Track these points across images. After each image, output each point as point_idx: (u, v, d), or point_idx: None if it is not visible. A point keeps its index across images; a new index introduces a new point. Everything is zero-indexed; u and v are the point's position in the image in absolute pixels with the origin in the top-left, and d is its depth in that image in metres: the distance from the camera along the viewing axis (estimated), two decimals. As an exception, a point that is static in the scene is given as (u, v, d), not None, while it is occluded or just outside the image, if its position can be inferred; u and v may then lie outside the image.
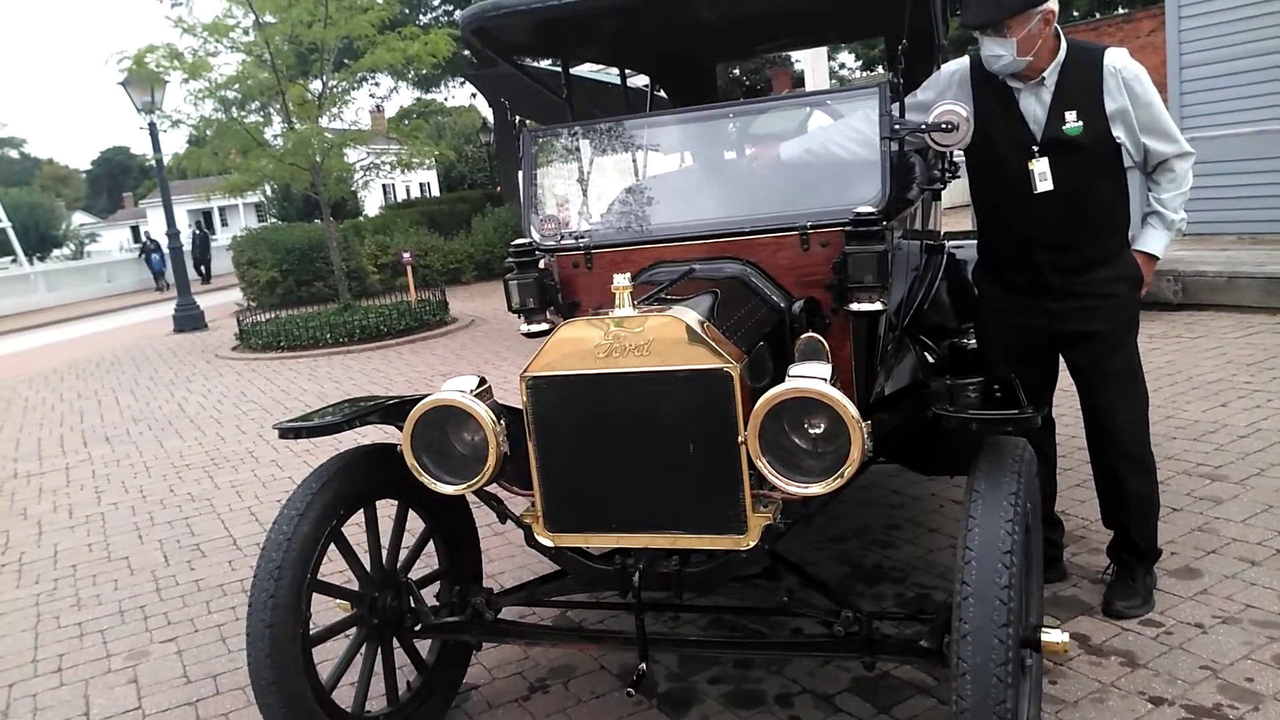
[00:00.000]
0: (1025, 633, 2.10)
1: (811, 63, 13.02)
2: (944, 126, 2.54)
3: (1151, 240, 3.01)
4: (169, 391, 9.85)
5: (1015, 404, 2.29)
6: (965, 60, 3.02)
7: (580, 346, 2.27)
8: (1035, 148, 2.84)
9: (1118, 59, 2.84)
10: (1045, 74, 2.83)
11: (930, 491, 4.28)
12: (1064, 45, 2.85)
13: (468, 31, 3.19)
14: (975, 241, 4.04)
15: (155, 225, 36.69)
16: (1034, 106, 2.86)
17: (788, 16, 3.87)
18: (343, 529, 2.61)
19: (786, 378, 2.14)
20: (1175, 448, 4.49)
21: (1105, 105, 2.81)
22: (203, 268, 29.62)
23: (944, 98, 2.93)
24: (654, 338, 2.20)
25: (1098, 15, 24.72)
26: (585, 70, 6.91)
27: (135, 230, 63.36)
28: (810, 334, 2.49)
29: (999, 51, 2.77)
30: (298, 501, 2.51)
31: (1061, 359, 3.14)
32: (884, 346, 3.05)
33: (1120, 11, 22.93)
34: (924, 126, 2.58)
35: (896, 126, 2.68)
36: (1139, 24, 15.84)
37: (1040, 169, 2.83)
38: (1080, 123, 2.81)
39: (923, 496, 4.26)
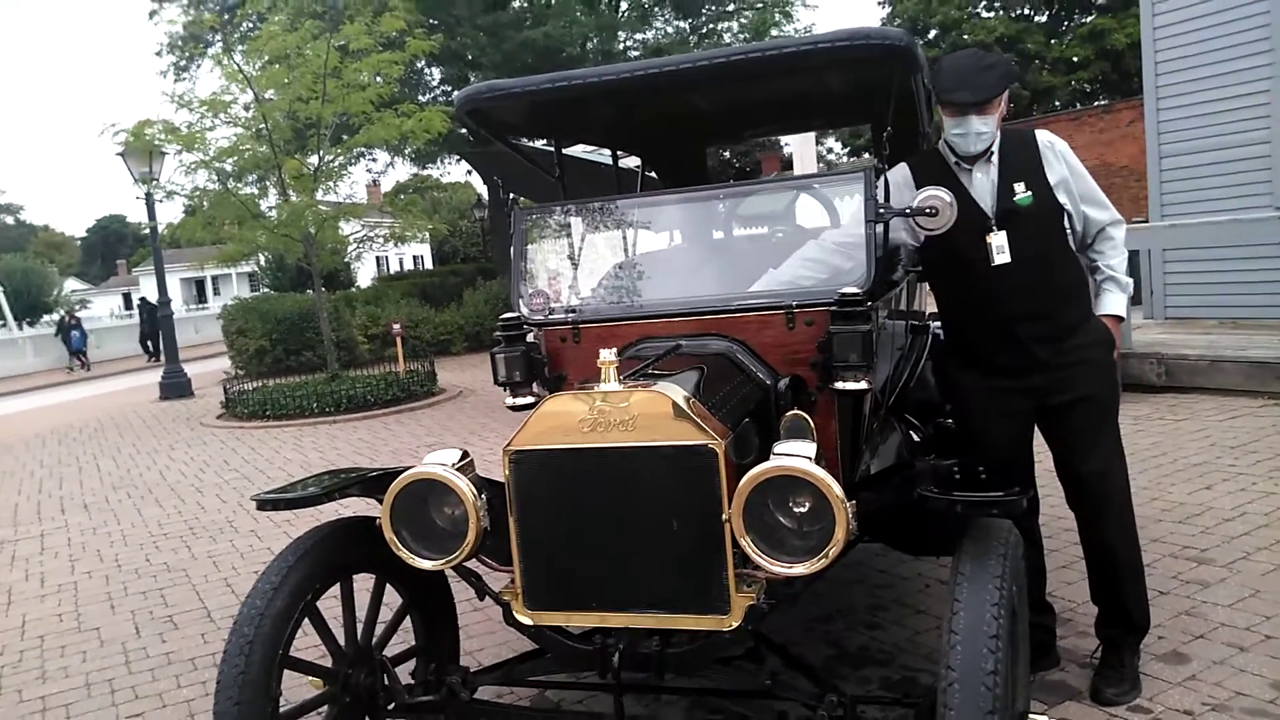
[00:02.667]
0: (1012, 719, 2.06)
1: (800, 147, 13.33)
2: (928, 211, 2.59)
3: (1113, 303, 3.10)
4: (151, 459, 9.75)
5: (1001, 486, 2.29)
6: (901, 164, 3.11)
7: (565, 420, 2.27)
8: (991, 221, 2.91)
9: (1047, 135, 2.99)
10: (991, 151, 2.93)
11: (917, 571, 4.24)
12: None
13: (463, 112, 3.26)
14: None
15: (147, 292, 36.29)
16: (983, 183, 2.94)
17: (777, 104, 3.97)
18: (318, 603, 2.56)
19: (771, 455, 2.14)
20: (1161, 530, 4.48)
21: (1048, 176, 2.92)
22: (149, 343, 26.43)
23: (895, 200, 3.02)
24: (639, 412, 2.20)
25: (1078, 105, 25.46)
26: (578, 150, 7.05)
27: (127, 297, 63.57)
28: (795, 411, 2.50)
29: (983, 129, 2.85)
30: (273, 575, 2.47)
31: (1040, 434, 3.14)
32: (869, 425, 3.06)
33: (1100, 102, 23.60)
34: (908, 211, 2.63)
35: (881, 210, 2.73)
36: (1119, 114, 16.30)
37: (998, 242, 2.89)
38: (1030, 193, 2.90)
39: (909, 576, 4.22)
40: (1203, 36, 8.95)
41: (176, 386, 15.52)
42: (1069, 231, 3.01)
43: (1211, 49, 8.89)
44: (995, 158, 2.94)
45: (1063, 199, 2.95)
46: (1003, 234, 2.89)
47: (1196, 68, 9.03)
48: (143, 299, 29.82)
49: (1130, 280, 3.14)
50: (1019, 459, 3.08)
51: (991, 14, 31.40)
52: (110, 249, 79.85)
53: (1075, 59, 28.91)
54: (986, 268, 2.91)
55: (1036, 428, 3.15)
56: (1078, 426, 3.03)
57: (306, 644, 3.04)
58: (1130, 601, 3.10)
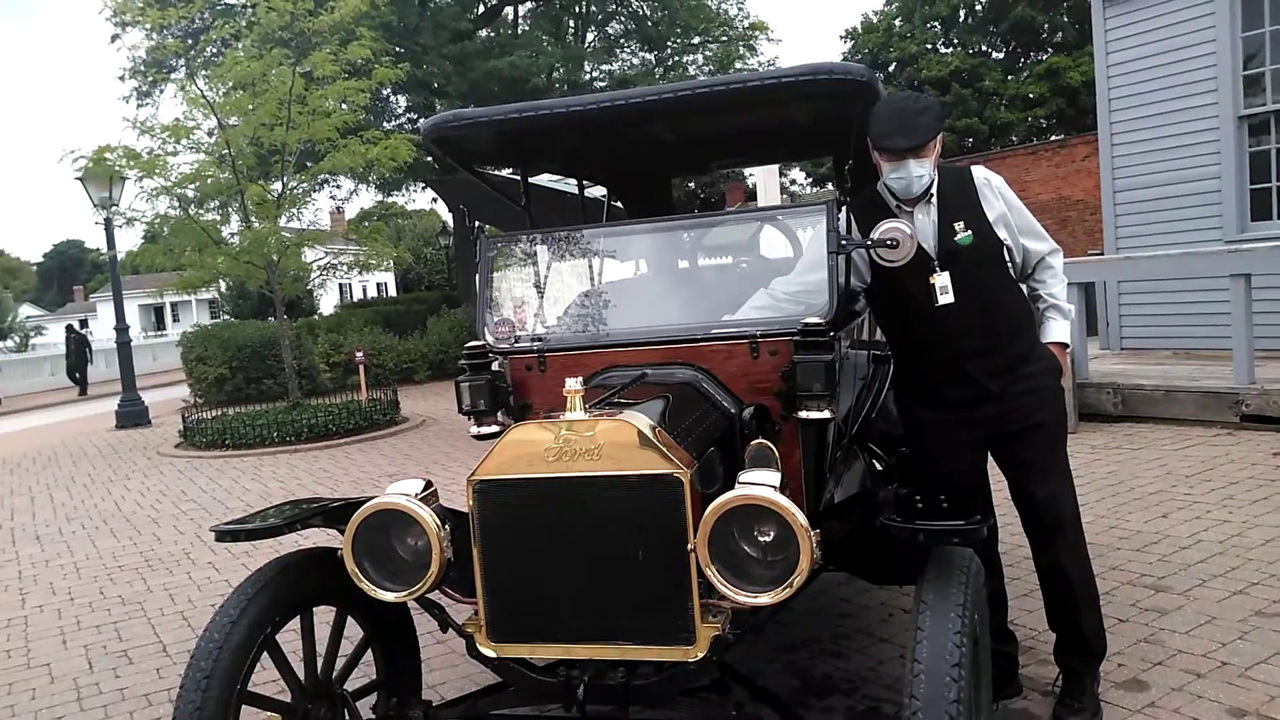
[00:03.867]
0: (975, 748, 2.07)
1: (764, 178, 13.48)
2: (889, 243, 2.62)
3: (1058, 331, 3.15)
4: (106, 489, 9.55)
5: (961, 515, 2.32)
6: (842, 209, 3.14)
7: (530, 449, 2.26)
8: (935, 263, 2.92)
9: (982, 172, 3.03)
10: (931, 192, 2.95)
11: (880, 600, 4.26)
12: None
13: (429, 140, 3.27)
14: None
15: (104, 318, 35.21)
16: (924, 224, 2.95)
17: (741, 136, 4.02)
18: (277, 636, 2.51)
19: (736, 484, 2.14)
20: (1119, 558, 4.54)
21: (986, 213, 2.96)
22: (78, 374, 24.56)
23: None
24: (605, 441, 2.20)
25: (1035, 140, 26.04)
26: (544, 180, 7.07)
27: (83, 323, 62.45)
28: (760, 441, 2.52)
29: (920, 172, 2.85)
30: (231, 608, 2.42)
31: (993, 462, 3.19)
32: (833, 454, 3.08)
33: (1056, 138, 24.16)
34: (869, 243, 2.67)
35: (843, 242, 2.77)
36: (1074, 149, 16.67)
37: (941, 283, 2.92)
38: (969, 232, 2.92)
39: (872, 605, 4.23)
40: (1154, 75, 9.22)
41: (133, 415, 15.23)
42: (1009, 264, 3.06)
43: (1162, 87, 9.15)
44: (934, 198, 2.95)
45: (1002, 234, 2.98)
46: (945, 274, 2.91)
47: (1148, 104, 9.29)
48: (69, 327, 27.06)
49: (1071, 307, 3.20)
50: (976, 487, 3.12)
51: (949, 50, 32.12)
52: (67, 275, 78.60)
53: (1031, 95, 29.61)
54: (932, 307, 2.94)
55: (993, 455, 3.19)
56: (1030, 453, 3.08)
57: (265, 678, 2.98)
58: (1086, 627, 3.13)
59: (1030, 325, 3.12)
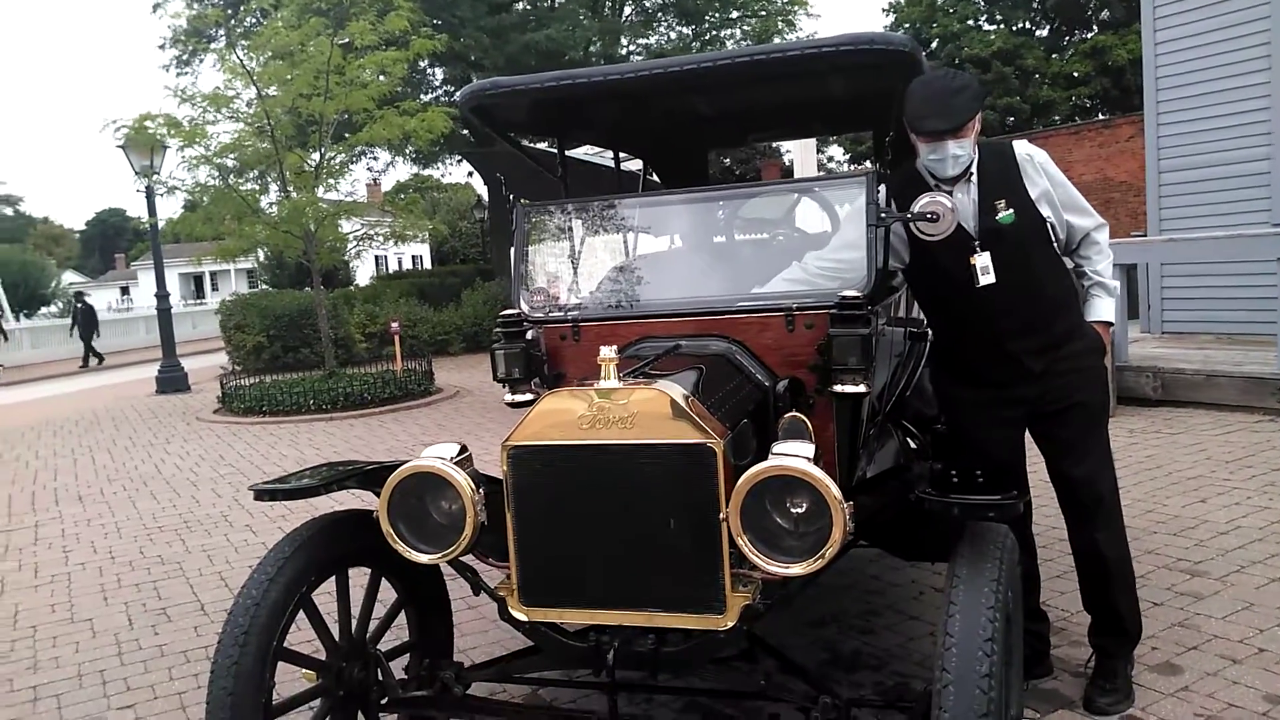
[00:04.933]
0: (1004, 724, 2.07)
1: (800, 154, 13.36)
2: (929, 216, 2.59)
3: (1102, 309, 3.09)
4: (146, 452, 9.73)
5: (997, 490, 2.30)
6: (880, 186, 3.10)
7: (564, 417, 2.27)
8: (976, 243, 2.87)
9: (1025, 147, 2.96)
10: (971, 171, 2.88)
11: (910, 578, 4.25)
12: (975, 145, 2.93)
13: (466, 109, 3.27)
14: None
15: (145, 286, 35.54)
16: (965, 204, 2.88)
17: (779, 108, 3.98)
18: (313, 596, 2.56)
19: (770, 455, 2.14)
20: (1156, 542, 4.49)
21: (1029, 190, 2.89)
22: (86, 343, 23.93)
23: None
24: (638, 410, 2.21)
25: (1077, 120, 25.54)
26: (581, 153, 7.06)
27: (125, 290, 63.52)
28: (794, 414, 2.51)
29: (959, 152, 2.79)
30: (268, 566, 2.47)
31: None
32: (867, 430, 3.07)
33: (1100, 117, 23.68)
34: (909, 216, 2.64)
35: (882, 215, 2.74)
36: (1119, 129, 16.33)
37: (983, 263, 2.86)
38: (1011, 210, 2.86)
39: (903, 583, 4.22)
40: (1204, 54, 9.00)
41: (173, 380, 15.49)
42: (1053, 241, 3.00)
43: (1212, 66, 8.93)
44: (975, 177, 2.89)
45: (1045, 212, 2.92)
46: (986, 255, 2.86)
47: (1197, 84, 9.08)
48: (77, 294, 26.45)
49: (1117, 284, 3.14)
50: (1012, 466, 3.09)
51: (992, 27, 31.52)
52: (109, 243, 79.86)
53: (1075, 74, 29.00)
54: (972, 288, 2.88)
55: (1032, 434, 3.15)
56: (1069, 432, 3.04)
57: (301, 638, 3.03)
58: (1121, 608, 3.10)
59: (1073, 303, 3.07)
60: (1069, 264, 3.11)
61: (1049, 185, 2.93)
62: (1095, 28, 30.37)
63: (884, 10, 33.61)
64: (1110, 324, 3.12)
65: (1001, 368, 3.01)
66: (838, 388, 2.59)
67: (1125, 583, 3.12)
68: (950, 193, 2.88)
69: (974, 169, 2.89)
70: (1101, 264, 3.08)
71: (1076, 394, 3.00)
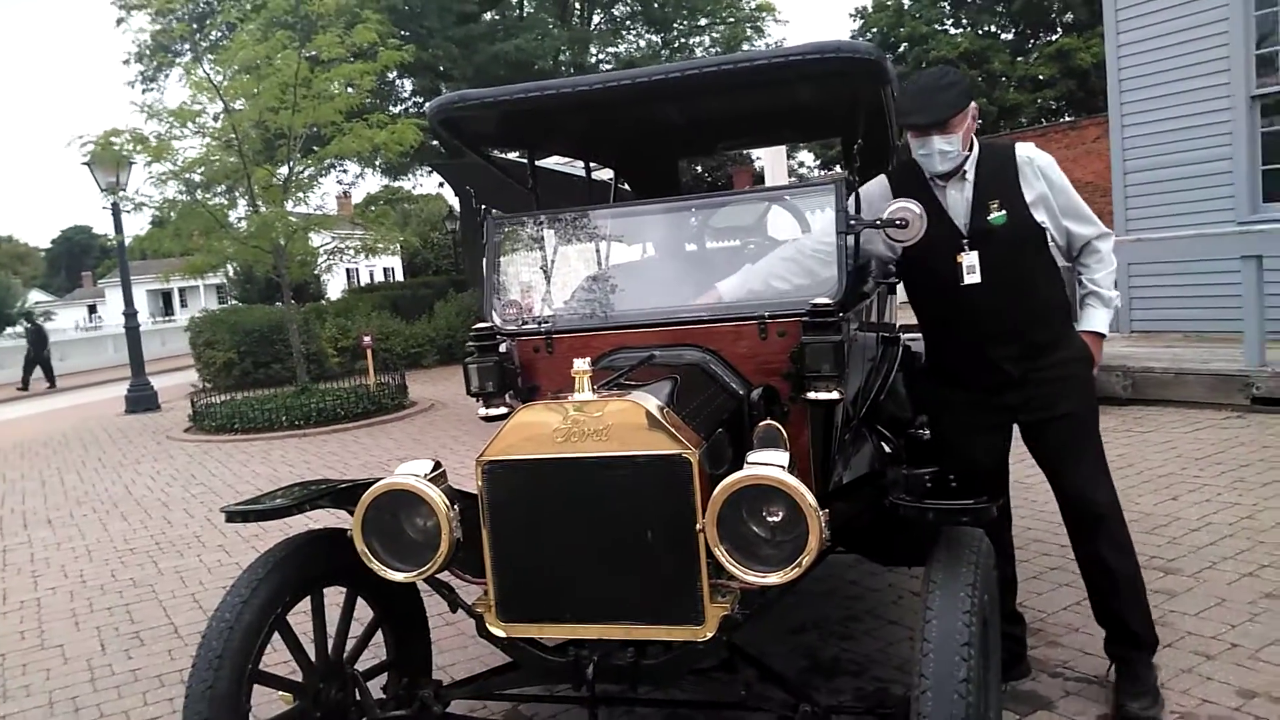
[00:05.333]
0: (984, 728, 2.07)
1: (771, 160, 13.44)
2: (898, 222, 2.61)
3: (1095, 319, 3.06)
4: (116, 473, 9.60)
5: (971, 494, 2.31)
6: (881, 177, 3.12)
7: (538, 430, 2.26)
8: (964, 241, 2.88)
9: (1027, 150, 2.94)
10: (966, 169, 2.90)
11: (889, 583, 4.26)
12: (976, 143, 2.94)
13: (435, 121, 3.25)
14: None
15: (113, 304, 34.96)
16: (957, 201, 2.91)
17: (749, 116, 4.00)
18: (288, 616, 2.53)
19: (745, 465, 2.14)
20: (1129, 541, 4.53)
21: (1024, 194, 2.88)
22: (39, 368, 22.94)
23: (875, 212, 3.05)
24: (613, 422, 2.20)
25: (1044, 122, 25.87)
26: (551, 163, 7.05)
27: (92, 309, 62.73)
28: (768, 421, 2.51)
29: (946, 147, 2.82)
30: (242, 588, 2.44)
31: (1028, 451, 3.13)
32: (841, 435, 3.08)
33: (1066, 119, 23.98)
34: (879, 222, 2.65)
35: (852, 222, 2.76)
36: (1085, 130, 16.55)
37: (969, 261, 2.87)
38: (1004, 212, 2.85)
39: (881, 588, 4.23)
40: (1165, 56, 9.13)
41: (143, 400, 15.30)
42: (1053, 246, 2.97)
43: (1174, 68, 9.06)
44: (971, 174, 2.90)
45: (1040, 217, 2.90)
46: (974, 254, 2.86)
47: (1159, 85, 9.21)
48: (27, 313, 25.57)
49: (1115, 294, 3.07)
50: (992, 471, 3.08)
51: (958, 31, 31.88)
52: (75, 260, 78.89)
53: (1041, 77, 29.40)
54: (957, 287, 2.90)
55: (1026, 445, 3.12)
56: (1059, 444, 3.01)
57: (276, 659, 3.00)
58: (1133, 621, 3.02)
59: (1064, 314, 3.04)
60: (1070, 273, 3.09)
61: (1047, 190, 2.91)
62: (1060, 31, 30.82)
63: (851, 15, 33.95)
64: (1102, 335, 3.07)
65: (983, 371, 3.01)
66: (811, 395, 2.59)
67: (1133, 594, 3.03)
68: (944, 188, 2.91)
69: (970, 167, 2.90)
70: (1100, 273, 3.03)
71: (1061, 404, 2.96)
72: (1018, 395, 2.98)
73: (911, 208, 2.60)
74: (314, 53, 11.61)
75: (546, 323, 3.05)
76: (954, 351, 3.10)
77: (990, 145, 2.98)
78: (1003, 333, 2.94)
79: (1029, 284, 2.94)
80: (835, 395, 2.58)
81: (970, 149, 2.91)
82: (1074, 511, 3.06)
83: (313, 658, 2.64)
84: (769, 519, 2.16)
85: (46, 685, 4.14)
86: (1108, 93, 9.89)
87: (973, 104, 2.87)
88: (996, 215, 2.87)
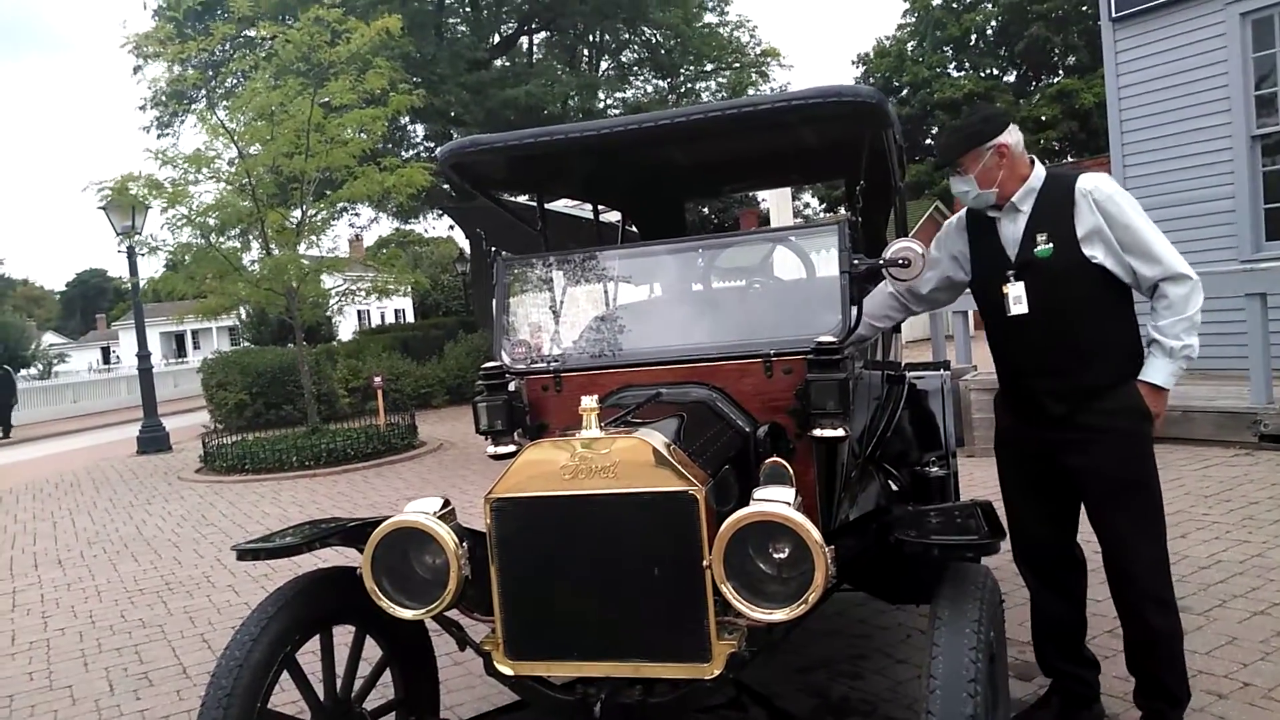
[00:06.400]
0: (992, 763, 2.07)
1: (776, 202, 13.55)
2: (899, 262, 2.65)
3: (1152, 369, 2.88)
4: (127, 514, 9.62)
5: (979, 530, 2.32)
6: (960, 213, 3.21)
7: (546, 468, 2.29)
8: (1010, 272, 2.91)
9: (1089, 182, 2.86)
10: (1016, 200, 2.92)
11: (897, 621, 4.25)
12: (1039, 173, 2.94)
13: (445, 166, 3.32)
14: (936, 372, 4.20)
15: (126, 345, 35.21)
16: (1011, 232, 2.95)
17: (754, 159, 4.07)
18: (297, 655, 2.54)
19: (751, 501, 2.16)
20: (1139, 579, 4.50)
21: (1076, 227, 2.82)
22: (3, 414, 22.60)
23: (943, 244, 3.17)
24: (620, 459, 2.22)
25: (1048, 162, 26.02)
26: (560, 205, 7.14)
27: (105, 351, 63.14)
28: (775, 459, 2.53)
29: (963, 187, 2.96)
30: (251, 626, 2.45)
31: None
32: (847, 473, 3.09)
33: (1069, 160, 24.16)
34: (881, 262, 2.70)
35: (855, 261, 2.80)
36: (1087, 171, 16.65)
37: (1015, 292, 2.89)
38: (1050, 245, 2.84)
39: (890, 626, 4.22)
40: (1165, 96, 9.24)
41: (155, 440, 15.37)
42: (1113, 284, 2.86)
43: (1174, 108, 9.16)
44: (1028, 206, 2.91)
45: (1093, 252, 2.81)
46: (1019, 285, 2.88)
47: (1160, 125, 9.30)
48: None
49: (1183, 343, 2.83)
50: (1047, 511, 3.09)
51: (961, 74, 32.23)
52: (90, 303, 79.56)
53: (1043, 117, 29.64)
54: (1004, 317, 2.94)
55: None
56: (1091, 498, 2.98)
57: (285, 698, 3.00)
58: (1167, 679, 2.94)
59: (1119, 358, 2.91)
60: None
61: (1103, 224, 2.81)
62: (1061, 73, 31.13)
63: (853, 62, 34.40)
64: (1159, 388, 2.87)
65: (1026, 402, 3.04)
66: (817, 432, 2.62)
67: (1171, 654, 2.94)
68: (1000, 218, 2.98)
69: (1029, 198, 2.92)
70: (1164, 320, 2.84)
71: (1094, 457, 2.89)
72: (1055, 433, 2.94)
73: (914, 247, 2.64)
74: (327, 99, 11.82)
75: (555, 361, 3.09)
76: (1005, 379, 3.17)
77: (1055, 176, 2.94)
78: (1044, 367, 2.94)
79: (1079, 320, 2.86)
80: (841, 432, 2.60)
81: (1027, 180, 2.92)
82: (1110, 566, 3.00)
83: (321, 696, 2.65)
84: (775, 555, 2.17)
85: (55, 726, 4.14)
86: (1109, 133, 9.99)
87: (996, 141, 2.90)
88: (1042, 248, 2.86)
